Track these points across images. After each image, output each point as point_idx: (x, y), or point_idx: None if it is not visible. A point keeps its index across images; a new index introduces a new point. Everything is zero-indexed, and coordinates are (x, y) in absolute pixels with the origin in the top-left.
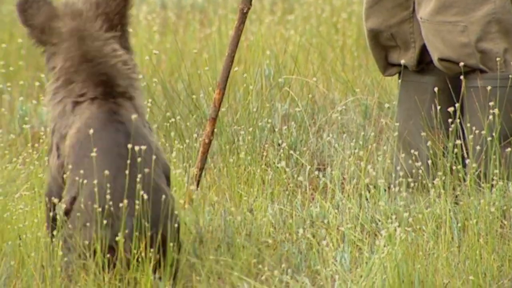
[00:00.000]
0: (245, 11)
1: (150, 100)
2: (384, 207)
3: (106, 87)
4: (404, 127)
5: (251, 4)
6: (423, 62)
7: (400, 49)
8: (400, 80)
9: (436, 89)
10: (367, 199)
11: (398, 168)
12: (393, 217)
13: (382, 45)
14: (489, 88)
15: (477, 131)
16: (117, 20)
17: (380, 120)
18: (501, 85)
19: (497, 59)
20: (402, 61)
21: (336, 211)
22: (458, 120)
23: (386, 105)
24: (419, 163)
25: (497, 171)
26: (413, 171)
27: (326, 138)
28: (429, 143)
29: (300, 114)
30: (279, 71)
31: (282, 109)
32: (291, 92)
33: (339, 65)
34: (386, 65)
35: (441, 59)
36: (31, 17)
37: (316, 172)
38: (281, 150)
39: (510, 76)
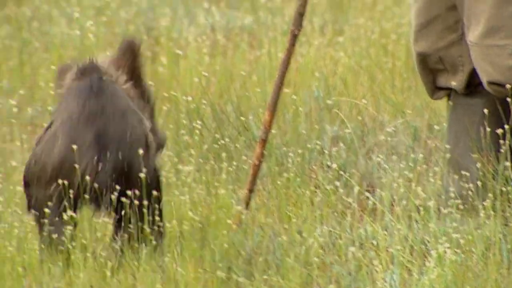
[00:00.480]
0: (296, 33)
1: (199, 122)
2: (433, 228)
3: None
4: (454, 149)
5: (301, 26)
6: (472, 85)
7: (448, 73)
8: (449, 103)
9: (485, 111)
10: (416, 221)
11: (448, 189)
12: (443, 238)
13: (430, 69)
14: None
15: None
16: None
17: (430, 142)
18: None
19: None
20: (453, 83)
21: (385, 232)
22: (508, 142)
23: (435, 127)
24: (469, 185)
25: None
26: (463, 192)
27: (376, 159)
28: (478, 165)
29: (350, 136)
30: (328, 93)
31: (331, 131)
32: (340, 114)
33: (388, 87)
34: (434, 89)
35: (490, 83)
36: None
37: (366, 194)
38: (330, 172)
39: None
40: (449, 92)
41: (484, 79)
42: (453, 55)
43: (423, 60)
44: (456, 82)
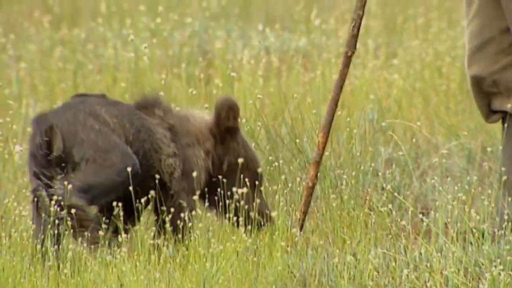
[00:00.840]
0: (349, 54)
1: (254, 144)
2: (487, 251)
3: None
4: (509, 172)
5: (355, 48)
6: None
7: (503, 96)
8: (504, 126)
9: None
10: (470, 243)
11: (503, 212)
12: (497, 261)
13: (485, 92)
14: None
15: None
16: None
17: (484, 164)
18: None
19: None
20: (509, 105)
21: (439, 254)
22: None
23: (490, 149)
24: None
25: None
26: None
27: (430, 182)
28: None
29: (404, 158)
30: (382, 115)
31: (385, 153)
32: (394, 136)
33: (443, 109)
34: (489, 112)
35: None
36: None
37: (420, 216)
38: (384, 194)
39: None
40: (504, 115)
41: None
42: (508, 78)
43: (477, 83)
44: (511, 105)
